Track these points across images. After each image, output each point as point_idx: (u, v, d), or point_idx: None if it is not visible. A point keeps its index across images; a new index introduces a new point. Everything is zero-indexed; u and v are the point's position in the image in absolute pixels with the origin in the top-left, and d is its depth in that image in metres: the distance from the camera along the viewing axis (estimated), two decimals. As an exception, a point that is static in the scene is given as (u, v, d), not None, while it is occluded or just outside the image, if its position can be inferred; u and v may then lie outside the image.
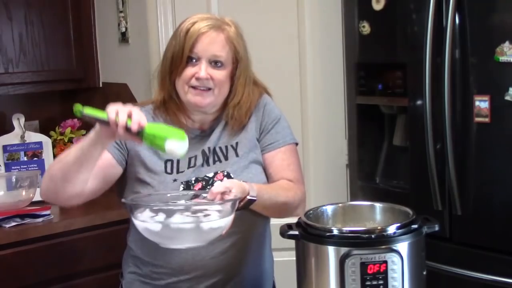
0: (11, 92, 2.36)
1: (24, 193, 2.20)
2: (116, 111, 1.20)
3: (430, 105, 1.82)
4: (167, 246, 1.23)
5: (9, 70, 2.32)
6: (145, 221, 1.19)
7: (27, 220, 2.06)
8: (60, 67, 2.42)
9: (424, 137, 1.84)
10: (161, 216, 1.19)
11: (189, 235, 1.18)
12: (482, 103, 1.73)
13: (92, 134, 1.26)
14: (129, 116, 1.20)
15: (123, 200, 1.30)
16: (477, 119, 1.74)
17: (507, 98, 1.67)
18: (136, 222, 1.21)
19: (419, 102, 1.89)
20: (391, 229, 1.18)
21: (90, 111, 1.21)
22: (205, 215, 1.20)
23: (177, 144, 1.20)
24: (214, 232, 1.20)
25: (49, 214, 2.11)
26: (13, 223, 2.03)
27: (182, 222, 1.18)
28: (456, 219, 1.82)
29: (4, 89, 2.33)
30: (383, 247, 1.16)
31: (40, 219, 2.07)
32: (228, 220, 1.21)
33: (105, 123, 1.21)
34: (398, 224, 1.20)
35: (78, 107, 1.21)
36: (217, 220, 1.19)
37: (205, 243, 1.23)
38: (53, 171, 1.33)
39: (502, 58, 1.67)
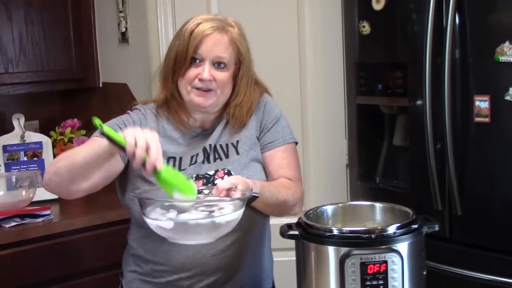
0: (11, 92, 2.36)
1: (24, 193, 2.20)
2: (135, 141, 1.18)
3: (430, 105, 1.81)
4: (177, 242, 1.24)
5: (9, 70, 2.32)
6: (157, 219, 1.20)
7: (27, 220, 2.06)
8: (60, 67, 2.42)
9: (424, 137, 1.84)
10: (172, 213, 1.20)
11: (204, 229, 1.19)
12: (482, 103, 1.72)
13: (107, 145, 1.23)
14: (147, 149, 1.17)
15: (132, 194, 1.31)
16: (477, 119, 1.73)
17: (507, 98, 1.66)
18: (148, 220, 1.21)
19: (419, 102, 1.88)
20: (391, 229, 1.19)
21: (109, 132, 1.19)
22: (220, 208, 1.22)
23: (184, 197, 1.21)
24: (227, 226, 1.22)
25: (49, 214, 2.11)
26: (13, 223, 2.03)
27: (200, 218, 1.19)
28: (456, 219, 1.82)
29: (4, 89, 2.33)
30: (383, 247, 1.17)
31: (40, 219, 2.07)
32: (240, 213, 1.23)
33: (122, 148, 1.19)
34: (398, 224, 1.20)
35: (97, 121, 1.19)
36: (230, 213, 1.21)
37: (214, 239, 1.24)
38: (59, 166, 1.33)
39: (502, 58, 1.66)
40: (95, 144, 1.26)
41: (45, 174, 1.36)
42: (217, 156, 1.44)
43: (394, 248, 1.16)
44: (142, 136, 1.18)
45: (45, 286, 2.03)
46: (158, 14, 2.24)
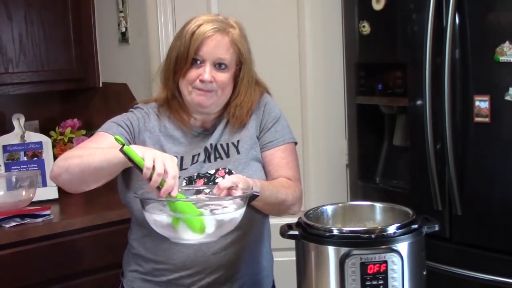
0: (11, 92, 2.37)
1: (24, 193, 2.21)
2: (153, 164, 1.18)
3: (430, 105, 1.81)
4: (179, 241, 1.24)
5: (9, 70, 2.33)
6: (154, 214, 1.21)
7: (27, 220, 2.07)
8: (60, 67, 2.43)
9: (424, 137, 1.84)
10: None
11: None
12: (482, 103, 1.72)
13: (123, 158, 1.23)
14: (164, 174, 1.18)
15: (134, 195, 1.31)
16: (477, 119, 1.73)
17: (507, 98, 1.66)
18: (148, 215, 1.22)
19: (419, 102, 1.87)
20: (391, 229, 1.19)
21: (128, 151, 1.19)
22: (223, 207, 1.23)
23: (191, 232, 1.21)
24: (230, 224, 1.23)
25: (49, 214, 2.12)
26: (13, 223, 2.05)
27: (203, 215, 1.20)
28: (456, 219, 1.81)
29: (4, 89, 2.35)
30: (383, 247, 1.17)
31: (40, 219, 2.08)
32: (242, 212, 1.24)
33: (139, 168, 1.19)
34: (398, 224, 1.21)
35: (120, 140, 1.19)
36: (233, 211, 1.22)
37: (216, 238, 1.25)
38: (72, 165, 1.33)
39: (502, 58, 1.66)
40: (111, 154, 1.26)
41: (55, 167, 1.36)
42: (217, 156, 1.46)
43: (394, 248, 1.17)
44: (160, 160, 1.19)
45: (45, 286, 2.04)
46: (158, 14, 2.25)
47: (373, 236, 1.17)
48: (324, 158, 2.27)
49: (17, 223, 2.05)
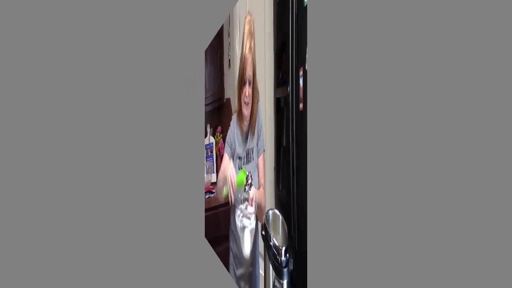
0: (206, 110, 3.16)
1: (210, 176, 2.91)
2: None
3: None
4: None
5: (206, 95, 3.01)
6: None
7: (210, 195, 2.58)
8: (216, 91, 2.86)
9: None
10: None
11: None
12: None
13: None
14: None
15: None
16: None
17: None
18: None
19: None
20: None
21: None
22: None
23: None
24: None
25: (214, 192, 2.55)
26: (208, 195, 2.61)
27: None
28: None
29: (205, 108, 3.08)
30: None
31: (212, 195, 2.54)
32: None
33: None
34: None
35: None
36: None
37: None
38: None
39: None
40: None
41: None
42: (248, 160, 1.58)
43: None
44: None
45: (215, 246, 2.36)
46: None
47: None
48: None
49: (208, 196, 2.60)
